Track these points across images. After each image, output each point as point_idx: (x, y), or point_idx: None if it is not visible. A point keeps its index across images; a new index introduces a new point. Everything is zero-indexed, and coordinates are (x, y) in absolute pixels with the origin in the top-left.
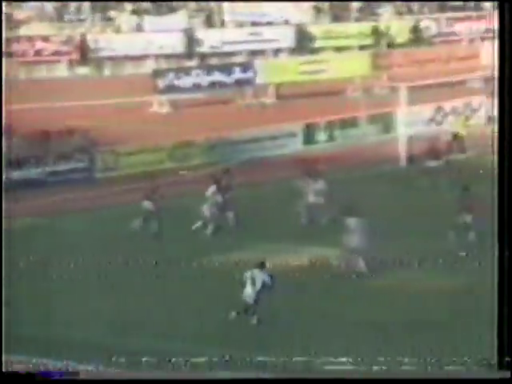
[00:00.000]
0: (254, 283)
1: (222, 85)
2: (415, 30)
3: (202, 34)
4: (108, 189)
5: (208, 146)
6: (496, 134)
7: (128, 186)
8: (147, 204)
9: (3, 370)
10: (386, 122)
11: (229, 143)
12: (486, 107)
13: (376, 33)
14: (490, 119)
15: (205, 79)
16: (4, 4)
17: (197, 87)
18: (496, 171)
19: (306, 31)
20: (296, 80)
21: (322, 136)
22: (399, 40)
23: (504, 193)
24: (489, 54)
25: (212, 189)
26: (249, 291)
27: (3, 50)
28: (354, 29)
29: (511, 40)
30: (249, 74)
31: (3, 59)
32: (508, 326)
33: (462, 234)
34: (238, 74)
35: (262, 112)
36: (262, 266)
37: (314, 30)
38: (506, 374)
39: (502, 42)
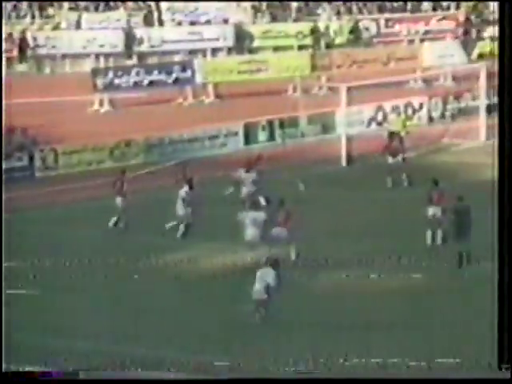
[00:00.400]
0: (263, 280)
1: (161, 84)
2: (354, 30)
3: (141, 32)
4: (48, 188)
5: (148, 146)
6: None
7: (68, 186)
8: (118, 200)
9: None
10: (325, 122)
11: (169, 143)
12: (427, 107)
13: (315, 33)
14: (431, 119)
15: (144, 78)
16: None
17: (136, 86)
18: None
19: (245, 31)
20: (235, 79)
21: (262, 135)
22: (338, 40)
23: (504, 193)
24: (428, 55)
25: (185, 188)
26: (258, 288)
27: None
28: (293, 29)
29: (511, 40)
30: (188, 73)
31: None
32: (508, 326)
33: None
34: (177, 73)
35: (202, 111)
36: (275, 263)
37: (253, 29)
38: (506, 375)
39: (501, 42)
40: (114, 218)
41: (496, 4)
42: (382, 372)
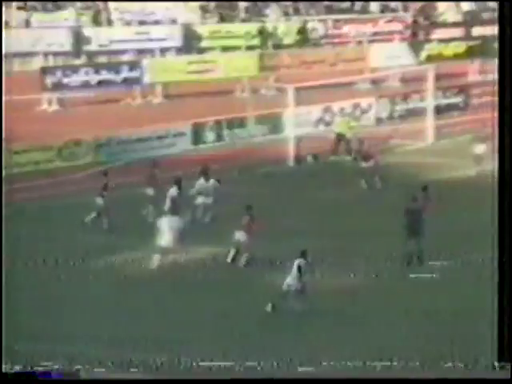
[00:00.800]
0: (297, 272)
1: (110, 83)
2: (302, 31)
3: (89, 32)
4: None
5: (96, 145)
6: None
7: (16, 185)
8: (99, 200)
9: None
10: (273, 123)
11: (117, 142)
12: (375, 108)
13: (263, 33)
14: (378, 120)
15: (93, 77)
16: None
17: (85, 85)
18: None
19: (193, 31)
20: (184, 79)
21: (210, 136)
22: (286, 41)
23: (504, 195)
24: (376, 57)
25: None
26: (289, 280)
27: None
28: (241, 29)
29: (511, 41)
30: (137, 73)
31: None
32: (508, 326)
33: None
34: (125, 73)
35: (150, 111)
36: (303, 255)
37: (201, 29)
38: (506, 374)
39: (502, 42)
40: (93, 215)
41: (444, 4)
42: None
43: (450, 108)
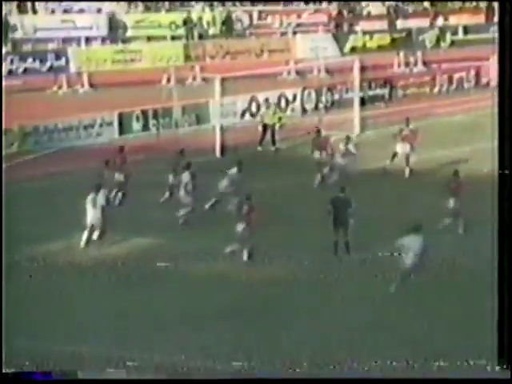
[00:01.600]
0: (411, 249)
1: (35, 72)
2: (227, 21)
3: (14, 19)
4: None
5: (22, 134)
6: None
7: None
8: (117, 176)
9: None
10: (199, 113)
11: (44, 132)
12: (301, 99)
13: (188, 23)
14: (304, 111)
15: (19, 66)
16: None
17: (11, 74)
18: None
19: (119, 20)
20: (109, 69)
21: (136, 125)
22: (211, 31)
23: (504, 195)
24: (301, 48)
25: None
26: (405, 259)
27: None
28: (166, 19)
29: (511, 41)
30: (62, 62)
31: None
32: (508, 326)
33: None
34: (51, 62)
35: (76, 100)
36: (417, 228)
37: (126, 19)
38: (506, 374)
39: (502, 42)
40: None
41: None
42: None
43: (375, 99)
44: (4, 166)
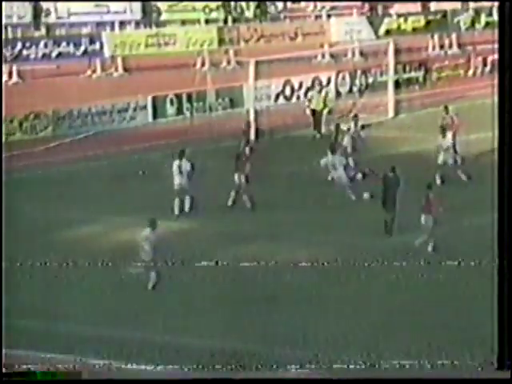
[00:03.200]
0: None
1: (69, 56)
2: (261, 4)
3: (48, 4)
4: None
5: (57, 118)
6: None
7: None
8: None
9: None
10: (233, 96)
11: (78, 116)
12: (335, 82)
13: (222, 7)
14: (338, 94)
15: (53, 50)
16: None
17: (45, 58)
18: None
19: (152, 4)
20: (143, 53)
21: (170, 109)
22: (245, 14)
23: (504, 191)
24: (335, 31)
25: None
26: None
27: None
28: (200, 2)
29: (511, 40)
30: (96, 46)
31: None
32: (508, 326)
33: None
34: (85, 46)
35: (110, 84)
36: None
37: (160, 3)
38: (506, 374)
39: (501, 42)
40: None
41: None
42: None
43: (409, 82)
44: (38, 149)
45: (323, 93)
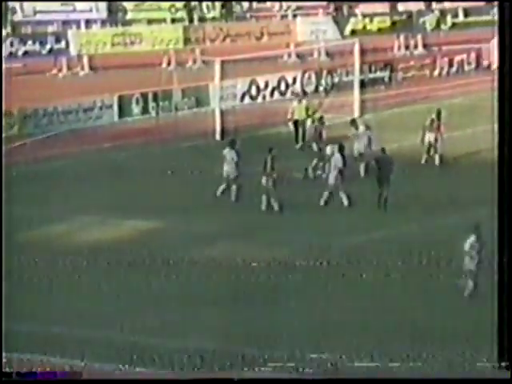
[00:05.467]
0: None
1: (36, 54)
2: (227, 4)
3: (13, 2)
4: None
5: (22, 117)
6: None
7: None
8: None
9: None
10: (199, 96)
11: (44, 114)
12: (301, 82)
13: (188, 6)
14: (304, 94)
15: (19, 48)
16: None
17: (11, 56)
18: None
19: (118, 3)
20: (109, 52)
21: (136, 109)
22: (211, 14)
23: (504, 189)
24: (301, 31)
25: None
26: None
27: None
28: (166, 2)
29: (511, 40)
30: (62, 45)
31: None
32: (508, 325)
33: None
34: (51, 44)
35: (76, 83)
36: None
37: (126, 2)
38: (506, 374)
39: (501, 41)
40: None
41: None
42: (380, 372)
43: (375, 82)
44: (4, 148)
45: (304, 103)
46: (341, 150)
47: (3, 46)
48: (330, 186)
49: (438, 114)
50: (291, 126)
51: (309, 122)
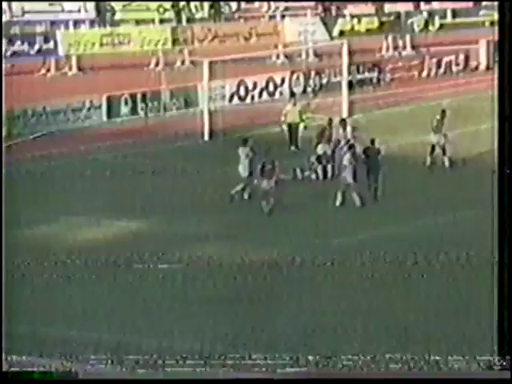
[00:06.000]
0: None
1: (24, 54)
2: (215, 5)
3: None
4: None
5: (12, 117)
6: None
7: None
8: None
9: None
10: (188, 96)
11: (32, 115)
12: (289, 83)
13: (176, 7)
14: (292, 95)
15: (7, 49)
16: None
17: None
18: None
19: (106, 3)
20: (98, 52)
21: (124, 109)
22: (199, 15)
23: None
24: (289, 31)
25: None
26: None
27: None
28: (154, 2)
29: (511, 40)
30: (51, 45)
31: None
32: (508, 325)
33: None
34: (40, 44)
35: (65, 83)
36: None
37: (114, 2)
38: (506, 374)
39: (501, 41)
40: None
41: None
42: (380, 371)
43: (363, 83)
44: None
45: (298, 106)
46: (350, 148)
47: None
48: (349, 184)
49: (443, 114)
50: (285, 129)
51: (301, 125)
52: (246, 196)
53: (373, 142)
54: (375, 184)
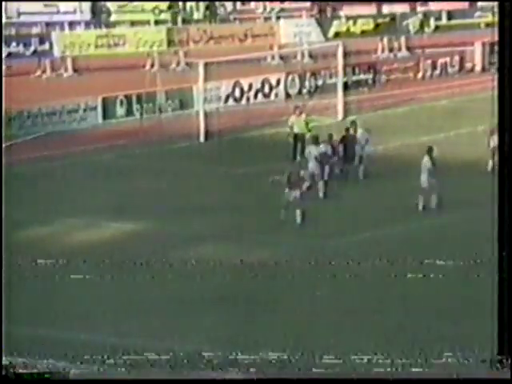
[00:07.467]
0: None
1: (19, 56)
2: (210, 6)
3: None
4: None
5: (7, 119)
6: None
7: None
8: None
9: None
10: (183, 98)
11: (28, 116)
12: (284, 84)
13: (172, 8)
14: (288, 96)
15: (2, 50)
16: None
17: None
18: None
19: (102, 5)
20: (93, 53)
21: (120, 110)
22: (195, 16)
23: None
24: (285, 33)
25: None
26: None
27: None
28: (150, 3)
29: (511, 40)
30: (46, 46)
31: None
32: (508, 324)
33: None
34: (35, 46)
35: (60, 85)
36: None
37: (110, 3)
38: (506, 374)
39: (501, 41)
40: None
41: None
42: (381, 372)
43: (358, 84)
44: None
45: (303, 116)
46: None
47: None
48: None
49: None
50: (291, 140)
51: (308, 135)
52: (321, 194)
53: (348, 129)
54: (347, 170)
